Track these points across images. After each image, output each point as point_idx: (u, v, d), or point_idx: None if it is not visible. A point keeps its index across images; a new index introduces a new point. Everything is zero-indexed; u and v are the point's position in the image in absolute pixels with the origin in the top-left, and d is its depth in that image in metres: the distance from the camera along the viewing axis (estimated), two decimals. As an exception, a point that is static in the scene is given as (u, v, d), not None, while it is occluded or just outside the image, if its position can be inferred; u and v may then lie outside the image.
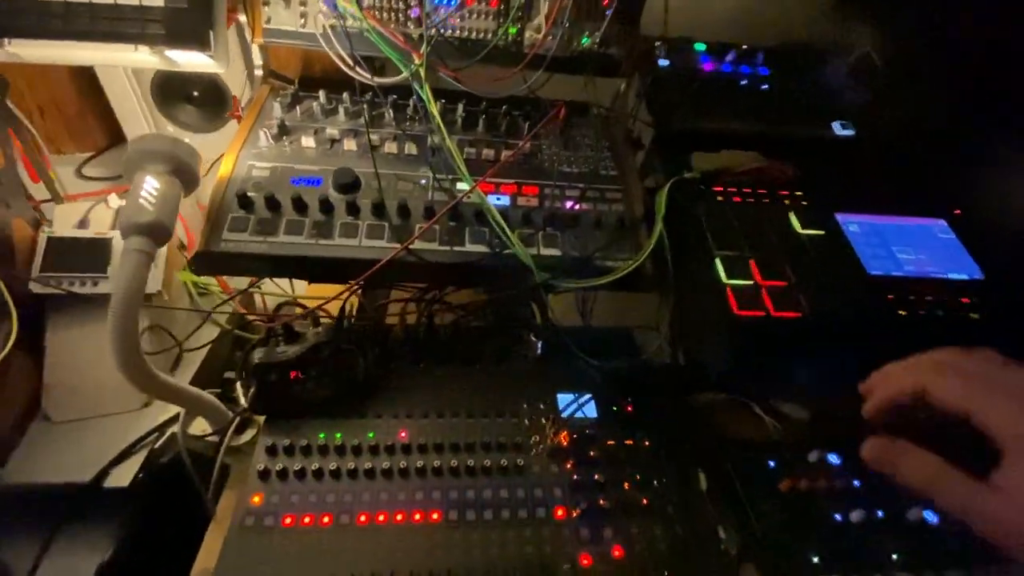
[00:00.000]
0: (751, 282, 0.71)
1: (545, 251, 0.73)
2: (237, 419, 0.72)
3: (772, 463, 0.79)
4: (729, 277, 0.71)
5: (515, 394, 0.80)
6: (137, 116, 1.08)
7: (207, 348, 0.86)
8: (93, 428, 0.74)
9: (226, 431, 0.71)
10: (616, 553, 0.65)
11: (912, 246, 0.80)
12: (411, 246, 0.70)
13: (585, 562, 0.64)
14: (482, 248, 0.72)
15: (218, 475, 0.68)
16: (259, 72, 0.90)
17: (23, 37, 0.70)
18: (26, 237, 0.77)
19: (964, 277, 0.77)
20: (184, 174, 0.64)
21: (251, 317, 0.89)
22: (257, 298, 1.05)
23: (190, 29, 0.72)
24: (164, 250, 0.83)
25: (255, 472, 0.67)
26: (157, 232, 0.58)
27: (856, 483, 0.78)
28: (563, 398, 0.81)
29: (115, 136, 1.23)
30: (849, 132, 0.99)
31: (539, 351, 0.85)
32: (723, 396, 0.93)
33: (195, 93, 1.10)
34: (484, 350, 0.84)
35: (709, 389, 0.93)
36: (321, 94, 0.84)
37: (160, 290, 0.81)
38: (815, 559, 0.69)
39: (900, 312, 0.71)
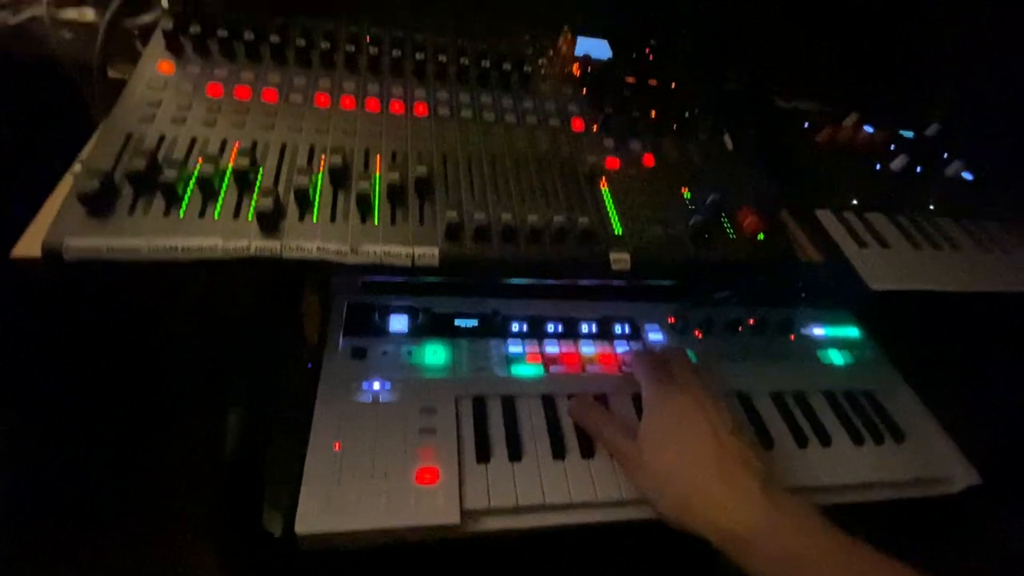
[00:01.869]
0: None
1: None
2: (127, -11, 0.50)
3: (807, 123, 0.68)
4: None
5: (516, 20, 0.63)
6: None
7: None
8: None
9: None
10: (647, 160, 0.53)
11: None
12: None
13: (611, 164, 0.51)
14: None
15: (100, 54, 0.48)
16: None
17: None
18: None
19: None
20: None
21: None
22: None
23: None
24: None
25: (160, 33, 0.47)
26: None
27: (892, 147, 0.70)
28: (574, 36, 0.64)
29: None
30: None
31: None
32: (739, 87, 0.81)
33: None
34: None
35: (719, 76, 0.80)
36: None
37: None
38: (855, 200, 0.61)
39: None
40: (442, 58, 0.53)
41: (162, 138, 0.41)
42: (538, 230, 0.43)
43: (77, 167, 0.43)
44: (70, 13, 0.52)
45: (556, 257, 0.43)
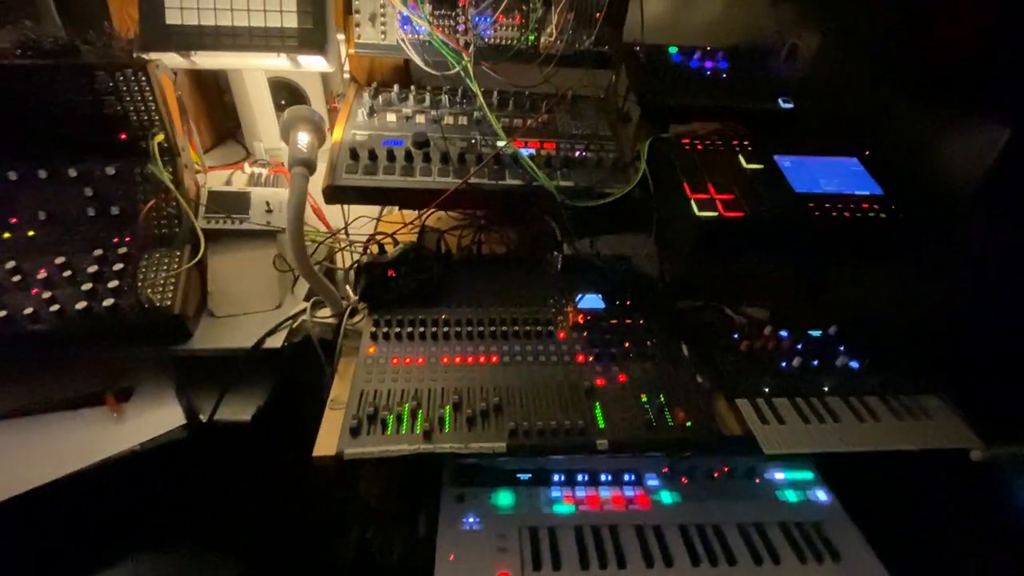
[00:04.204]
0: (708, 196, 1.00)
1: (563, 183, 1.04)
2: (350, 306, 1.02)
3: (736, 336, 1.07)
4: (693, 192, 1.00)
5: (544, 294, 1.09)
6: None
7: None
8: (243, 320, 1.04)
9: (344, 313, 1.00)
10: (621, 379, 0.93)
11: (830, 175, 1.09)
12: (470, 180, 1.00)
13: (600, 382, 0.92)
14: (519, 182, 1.02)
15: (341, 342, 0.97)
16: (346, 75, 1.24)
17: (204, 50, 1.04)
18: (194, 189, 1.09)
19: (867, 193, 1.06)
20: (319, 132, 0.96)
21: (350, 242, 1.18)
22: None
23: (314, 42, 1.06)
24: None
25: (368, 335, 0.96)
26: (310, 165, 0.90)
27: (799, 346, 1.05)
28: (579, 297, 1.10)
29: (217, 139, 1.57)
30: (789, 105, 1.30)
31: (559, 267, 1.14)
32: (702, 303, 1.22)
33: (283, 99, 1.44)
34: (519, 267, 1.13)
35: (690, 297, 1.21)
36: (395, 87, 1.17)
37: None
38: (766, 389, 0.97)
39: (816, 213, 1.00)
40: (504, 328, 0.98)
41: (376, 392, 0.86)
42: (556, 429, 0.82)
43: (332, 403, 0.89)
44: (320, 314, 1.04)
45: (566, 444, 0.82)
